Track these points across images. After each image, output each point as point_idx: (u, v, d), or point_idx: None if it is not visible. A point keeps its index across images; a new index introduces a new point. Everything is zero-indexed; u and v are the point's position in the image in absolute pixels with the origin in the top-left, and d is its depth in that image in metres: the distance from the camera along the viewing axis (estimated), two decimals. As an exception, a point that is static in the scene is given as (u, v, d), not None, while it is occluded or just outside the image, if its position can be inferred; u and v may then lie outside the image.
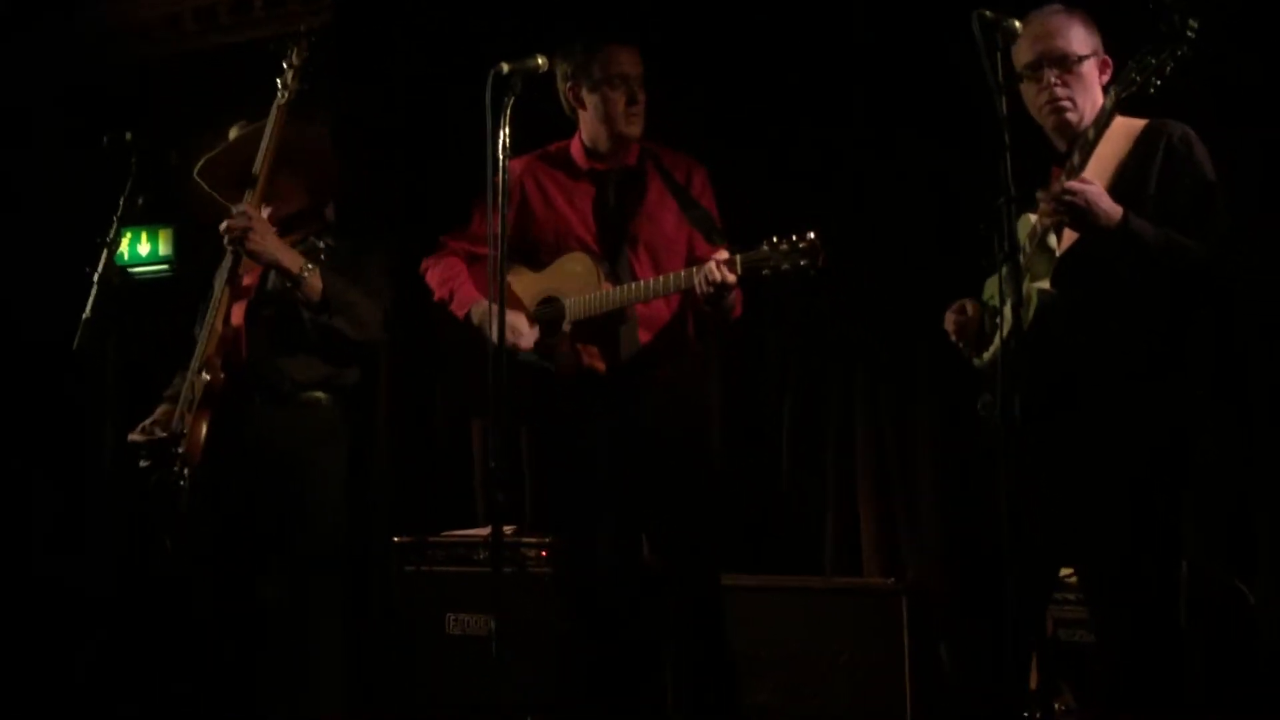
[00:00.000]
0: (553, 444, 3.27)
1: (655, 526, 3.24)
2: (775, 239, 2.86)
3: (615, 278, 3.14)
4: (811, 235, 2.82)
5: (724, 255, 2.93)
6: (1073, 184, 2.52)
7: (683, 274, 3.02)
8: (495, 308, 2.69)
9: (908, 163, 4.18)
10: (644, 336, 3.16)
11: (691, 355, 3.31)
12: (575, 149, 3.30)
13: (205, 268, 3.40)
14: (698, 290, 2.95)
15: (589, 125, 3.25)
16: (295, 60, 3.07)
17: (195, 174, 3.27)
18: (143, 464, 3.15)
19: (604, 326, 3.13)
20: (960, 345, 2.93)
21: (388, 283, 3.27)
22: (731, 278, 2.91)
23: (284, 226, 3.24)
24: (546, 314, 3.21)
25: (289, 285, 3.06)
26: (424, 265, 3.39)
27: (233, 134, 3.31)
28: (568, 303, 3.17)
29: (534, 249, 3.25)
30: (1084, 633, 3.25)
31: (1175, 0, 2.42)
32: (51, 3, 5.34)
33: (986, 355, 2.83)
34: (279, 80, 3.07)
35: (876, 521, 4.18)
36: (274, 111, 3.07)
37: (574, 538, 3.27)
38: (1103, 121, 2.57)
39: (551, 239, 3.24)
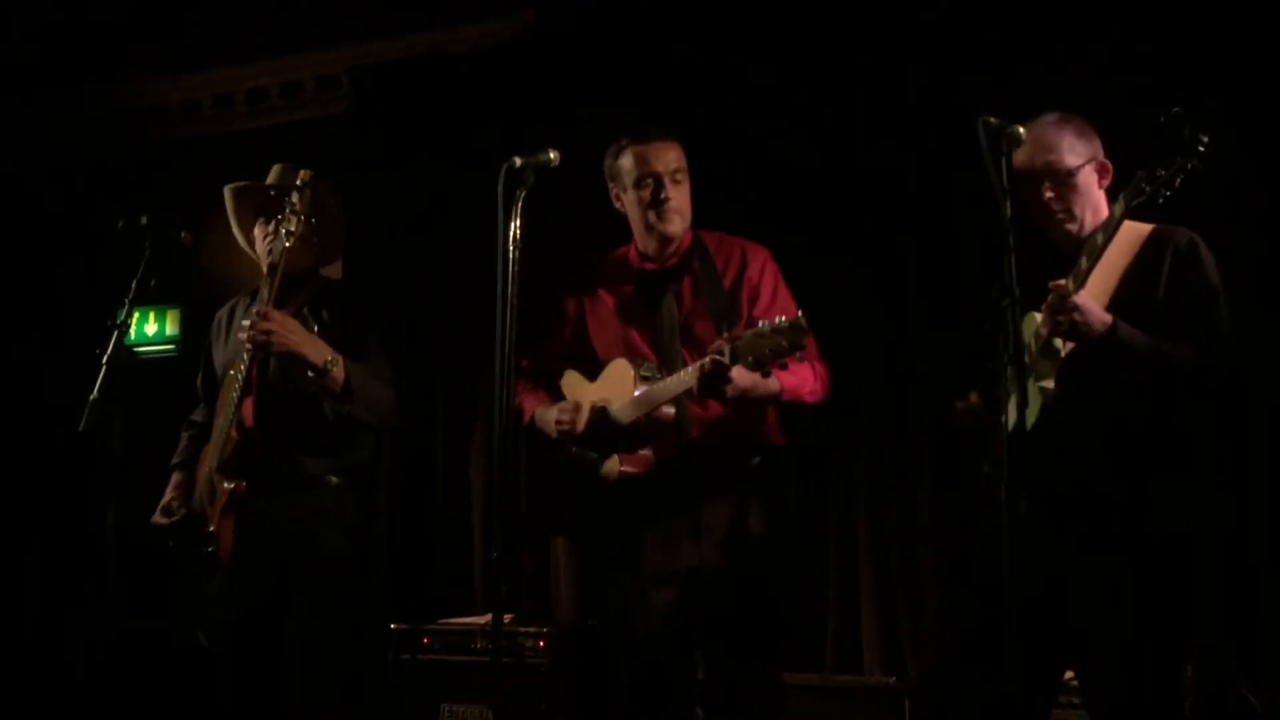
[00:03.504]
0: (599, 546, 3.19)
1: (708, 631, 3.08)
2: (759, 323, 2.73)
3: (657, 380, 3.04)
4: (793, 316, 2.67)
5: (721, 344, 2.85)
6: (1072, 299, 2.53)
7: (684, 373, 2.94)
8: (499, 433, 2.57)
9: (909, 254, 4.22)
10: (695, 434, 3.06)
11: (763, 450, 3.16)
12: (632, 253, 3.27)
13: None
14: (694, 386, 2.87)
15: (634, 227, 3.22)
16: (300, 207, 3.10)
17: (226, 189, 3.32)
18: (171, 544, 3.19)
19: (647, 430, 3.05)
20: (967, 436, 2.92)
21: (391, 365, 3.27)
22: (711, 365, 2.79)
23: (283, 291, 3.24)
24: (598, 420, 3.12)
25: (311, 375, 3.06)
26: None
27: (274, 172, 3.35)
28: (612, 409, 3.09)
29: (591, 358, 3.21)
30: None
31: (1187, 115, 2.45)
32: (67, 84, 5.44)
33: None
34: (281, 223, 3.10)
35: (878, 618, 4.14)
36: (281, 252, 3.10)
37: (622, 638, 3.12)
38: (1111, 229, 2.59)
39: (604, 347, 3.21)
